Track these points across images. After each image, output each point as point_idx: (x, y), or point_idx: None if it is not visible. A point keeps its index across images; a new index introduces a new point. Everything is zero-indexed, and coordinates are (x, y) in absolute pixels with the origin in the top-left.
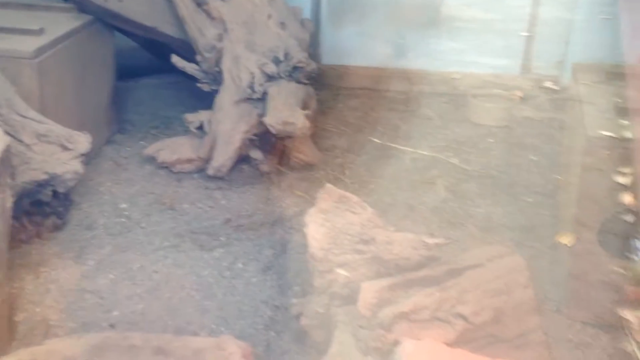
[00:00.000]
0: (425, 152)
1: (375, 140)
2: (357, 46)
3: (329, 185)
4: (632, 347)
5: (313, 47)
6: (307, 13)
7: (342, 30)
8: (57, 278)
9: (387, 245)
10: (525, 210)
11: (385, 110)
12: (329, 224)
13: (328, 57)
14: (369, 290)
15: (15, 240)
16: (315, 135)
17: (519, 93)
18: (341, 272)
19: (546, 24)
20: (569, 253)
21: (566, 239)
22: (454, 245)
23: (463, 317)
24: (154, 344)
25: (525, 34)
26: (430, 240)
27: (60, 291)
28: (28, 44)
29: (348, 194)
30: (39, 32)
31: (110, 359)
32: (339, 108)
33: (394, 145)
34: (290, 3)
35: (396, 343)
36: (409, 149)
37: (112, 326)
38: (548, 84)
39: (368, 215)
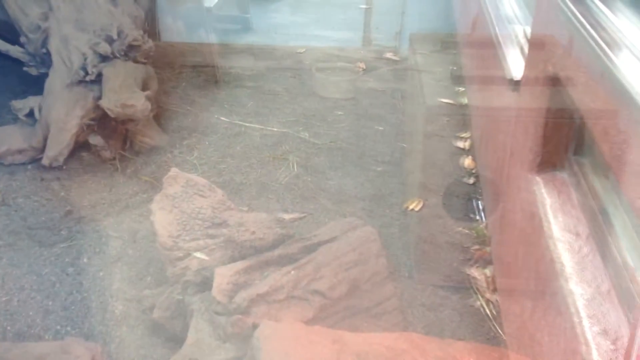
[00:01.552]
0: (274, 128)
1: (223, 118)
2: (198, 22)
3: (174, 169)
4: (480, 302)
5: (150, 25)
6: None
7: (181, 6)
8: None
9: (240, 227)
10: (374, 179)
11: (231, 88)
12: (177, 210)
13: (167, 35)
14: (224, 275)
15: None
16: (160, 117)
17: (361, 65)
18: (198, 255)
19: None
20: (417, 219)
21: (414, 205)
22: (309, 220)
23: (320, 293)
24: None
25: (364, 6)
26: (287, 216)
27: None
28: None
29: (195, 177)
30: None
31: None
32: (182, 87)
33: (242, 122)
34: None
35: (254, 326)
36: (257, 125)
37: None
38: (388, 55)
39: (218, 197)
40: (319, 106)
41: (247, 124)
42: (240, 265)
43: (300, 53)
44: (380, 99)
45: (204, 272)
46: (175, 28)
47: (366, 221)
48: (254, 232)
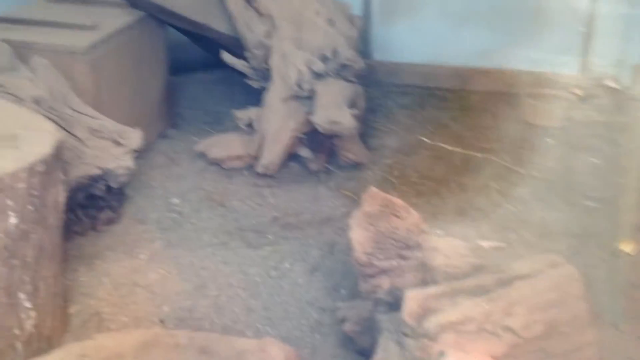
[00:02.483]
0: (477, 153)
1: (426, 140)
2: (409, 42)
3: (373, 189)
4: None
5: (363, 44)
6: (357, 8)
7: (394, 25)
8: (110, 271)
9: (434, 252)
10: (583, 216)
11: (436, 109)
12: (374, 228)
13: (379, 53)
14: (414, 298)
15: (70, 233)
16: (365, 134)
17: (577, 92)
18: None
19: (605, 20)
20: (630, 263)
21: (628, 247)
22: (506, 252)
23: (512, 331)
24: (199, 343)
25: (583, 29)
26: (485, 244)
27: (113, 284)
28: (82, 40)
29: (393, 198)
30: (93, 27)
31: (156, 356)
32: (389, 106)
33: (444, 145)
34: None
35: (441, 354)
36: (460, 149)
37: (162, 321)
38: (608, 83)
39: (414, 220)
40: (527, 133)
41: (448, 147)
42: (431, 290)
43: (511, 76)
44: (596, 129)
45: (395, 292)
46: (387, 47)
47: (570, 259)
48: (447, 258)
